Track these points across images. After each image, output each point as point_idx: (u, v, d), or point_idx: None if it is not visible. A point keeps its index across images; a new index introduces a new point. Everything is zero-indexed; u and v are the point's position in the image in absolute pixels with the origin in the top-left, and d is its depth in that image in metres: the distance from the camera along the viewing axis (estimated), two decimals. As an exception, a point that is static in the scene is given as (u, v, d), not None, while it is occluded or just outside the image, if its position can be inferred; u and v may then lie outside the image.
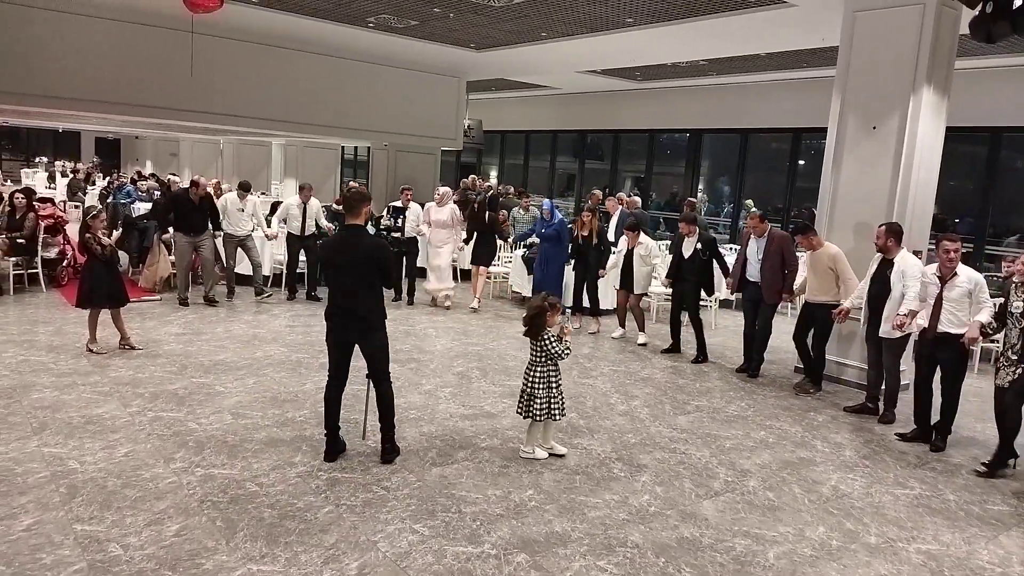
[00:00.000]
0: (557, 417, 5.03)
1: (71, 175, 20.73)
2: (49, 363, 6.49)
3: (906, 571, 3.97)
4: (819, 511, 4.61)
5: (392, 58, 13.04)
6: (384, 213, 10.37)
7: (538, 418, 4.98)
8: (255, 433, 5.24)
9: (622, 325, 9.08)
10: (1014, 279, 5.45)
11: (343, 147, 19.70)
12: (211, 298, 9.28)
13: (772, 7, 8.41)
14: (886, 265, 6.41)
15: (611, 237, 8.84)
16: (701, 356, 8.15)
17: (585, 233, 9.09)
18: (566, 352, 4.94)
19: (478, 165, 22.64)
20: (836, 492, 4.92)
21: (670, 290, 8.54)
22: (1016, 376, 5.21)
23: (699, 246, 8.09)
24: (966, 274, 5.71)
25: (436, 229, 9.92)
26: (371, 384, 4.93)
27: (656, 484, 4.83)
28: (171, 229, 9.23)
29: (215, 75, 11.54)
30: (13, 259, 9.12)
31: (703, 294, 8.51)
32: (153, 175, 18.64)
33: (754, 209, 7.80)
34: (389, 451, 4.89)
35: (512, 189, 16.45)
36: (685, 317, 8.51)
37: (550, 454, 5.14)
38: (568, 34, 10.79)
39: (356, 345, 4.81)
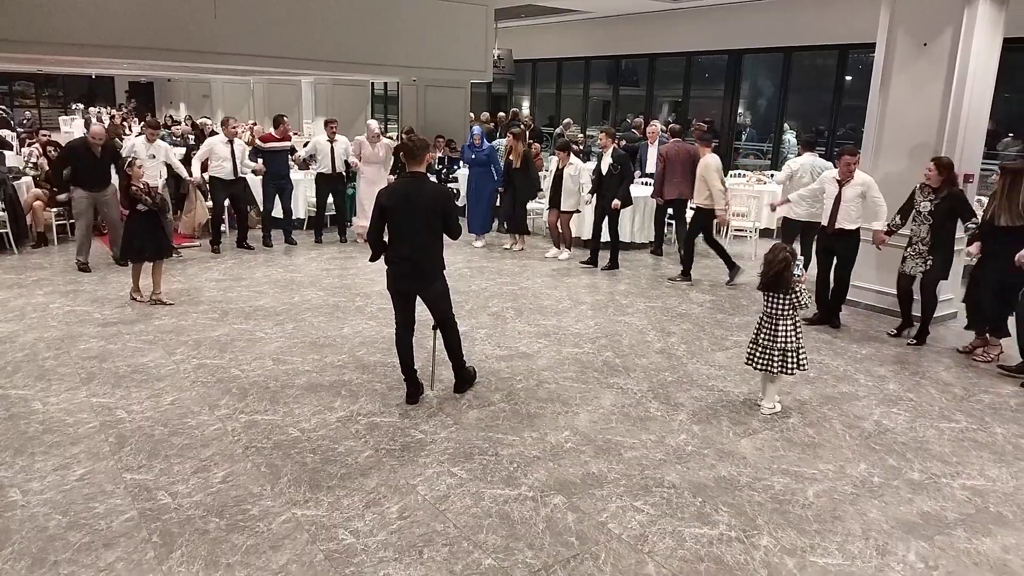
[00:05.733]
0: (804, 366, 4.94)
1: (109, 119, 20.82)
2: (94, 313, 6.65)
3: (950, 508, 3.91)
4: (860, 447, 4.55)
5: (416, -12, 12.65)
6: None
7: (792, 371, 4.86)
8: (296, 379, 5.33)
9: (556, 245, 9.60)
10: (928, 183, 6.24)
11: (373, 83, 19.38)
12: (121, 260, 8.05)
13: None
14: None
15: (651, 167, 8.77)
16: (612, 264, 8.86)
17: (512, 157, 9.63)
18: (809, 301, 4.99)
19: (509, 96, 22.16)
20: (879, 427, 4.84)
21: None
22: (928, 267, 6.30)
23: (611, 162, 8.46)
24: (860, 178, 6.57)
25: (369, 165, 9.71)
26: (437, 332, 5.03)
27: (693, 423, 4.81)
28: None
29: (239, 14, 11.33)
30: (55, 210, 9.27)
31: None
32: (189, 118, 18.64)
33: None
34: (461, 382, 5.12)
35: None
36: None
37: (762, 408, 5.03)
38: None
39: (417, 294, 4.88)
